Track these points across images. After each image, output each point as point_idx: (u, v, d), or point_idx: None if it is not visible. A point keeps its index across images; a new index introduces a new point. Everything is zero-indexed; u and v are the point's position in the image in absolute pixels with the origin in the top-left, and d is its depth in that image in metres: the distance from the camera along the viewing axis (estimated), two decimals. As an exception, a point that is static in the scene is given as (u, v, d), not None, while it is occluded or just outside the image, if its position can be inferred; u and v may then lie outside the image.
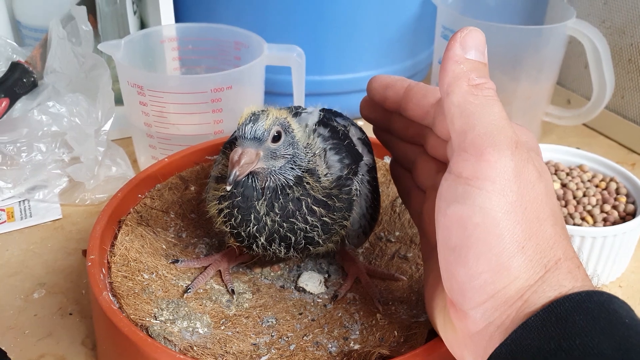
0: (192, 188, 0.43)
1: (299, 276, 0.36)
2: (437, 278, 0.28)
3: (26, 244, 0.47)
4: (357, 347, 0.31)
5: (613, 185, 0.46)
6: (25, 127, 0.48)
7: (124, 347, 0.30)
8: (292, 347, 0.31)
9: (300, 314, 0.34)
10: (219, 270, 0.36)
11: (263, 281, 0.36)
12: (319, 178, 0.31)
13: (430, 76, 0.71)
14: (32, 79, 0.58)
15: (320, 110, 0.36)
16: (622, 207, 0.44)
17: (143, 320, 0.31)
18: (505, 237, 0.23)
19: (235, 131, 0.30)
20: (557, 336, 0.22)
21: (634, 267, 0.46)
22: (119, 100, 0.53)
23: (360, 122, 0.39)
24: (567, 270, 0.24)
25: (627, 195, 0.46)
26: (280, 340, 0.31)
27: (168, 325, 0.31)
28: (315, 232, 0.31)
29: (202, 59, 0.56)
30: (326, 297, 0.35)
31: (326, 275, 0.37)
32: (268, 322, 0.33)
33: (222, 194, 0.31)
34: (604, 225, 0.43)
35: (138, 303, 0.32)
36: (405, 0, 0.62)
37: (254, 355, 0.30)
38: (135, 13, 0.60)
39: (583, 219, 0.44)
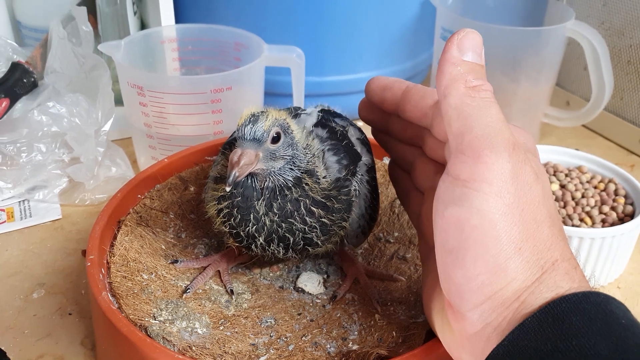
0: (192, 188, 0.43)
1: (298, 277, 0.37)
2: (435, 279, 0.28)
3: (26, 244, 0.47)
4: (355, 347, 0.31)
5: (612, 187, 0.46)
6: (25, 127, 0.48)
7: (123, 347, 0.30)
8: (290, 348, 0.31)
9: (299, 314, 0.34)
10: (218, 271, 0.36)
11: (262, 281, 0.36)
12: (318, 179, 0.31)
13: (430, 77, 0.71)
14: (33, 79, 0.58)
15: (319, 111, 0.37)
16: (620, 209, 0.44)
17: (142, 320, 0.31)
18: (502, 239, 0.23)
19: (235, 132, 0.30)
20: (554, 337, 0.22)
21: (632, 269, 0.46)
22: (119, 101, 0.53)
23: (360, 123, 0.39)
24: (564, 271, 0.24)
25: (626, 197, 0.46)
26: (279, 340, 0.32)
27: (167, 325, 0.31)
28: (313, 233, 0.31)
29: (202, 60, 0.56)
30: (325, 297, 0.35)
31: (325, 276, 0.37)
32: (267, 322, 0.33)
33: (222, 194, 0.31)
34: (603, 227, 0.43)
35: (137, 303, 0.32)
36: (405, 2, 0.62)
37: (253, 356, 0.30)
38: (135, 14, 0.60)
39: (582, 220, 0.44)
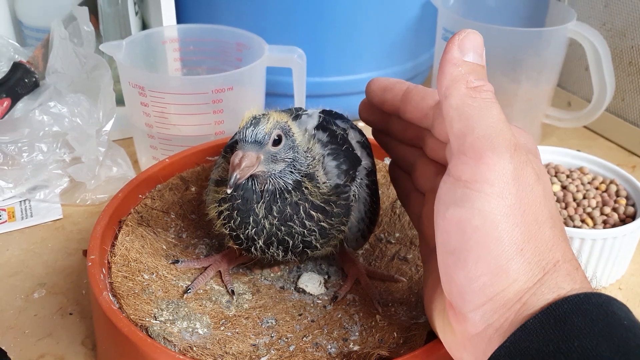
0: (193, 189, 0.43)
1: (298, 277, 0.36)
2: (436, 280, 0.28)
3: (27, 244, 0.47)
4: (356, 348, 0.31)
5: (613, 188, 0.46)
6: (26, 127, 0.48)
7: (124, 348, 0.30)
8: (291, 348, 0.31)
9: (300, 315, 0.34)
10: (219, 271, 0.36)
11: (263, 282, 0.36)
12: (318, 183, 0.31)
13: (431, 78, 0.71)
14: (34, 79, 0.58)
15: (320, 112, 0.37)
16: (622, 210, 0.44)
17: (143, 320, 0.31)
18: (504, 240, 0.23)
19: (236, 134, 0.30)
20: (556, 338, 0.22)
21: (634, 270, 0.46)
22: (120, 101, 0.53)
23: (360, 124, 0.39)
24: (566, 272, 0.24)
25: (627, 198, 0.46)
26: (279, 341, 0.32)
27: (168, 325, 0.31)
28: (312, 237, 0.31)
29: (203, 60, 0.56)
30: (326, 298, 0.35)
31: (326, 277, 0.37)
32: (268, 322, 0.33)
33: (222, 196, 0.31)
34: (604, 228, 0.43)
35: (138, 303, 0.32)
36: (406, 2, 0.62)
37: (254, 356, 0.30)
38: (136, 14, 0.60)
39: (583, 221, 0.44)
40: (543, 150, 0.50)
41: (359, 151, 0.35)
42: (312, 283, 0.36)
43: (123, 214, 0.39)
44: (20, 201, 0.51)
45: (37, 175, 0.50)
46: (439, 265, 0.26)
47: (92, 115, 0.50)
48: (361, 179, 0.34)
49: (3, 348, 0.35)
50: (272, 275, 0.37)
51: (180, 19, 0.58)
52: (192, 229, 0.40)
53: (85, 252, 0.44)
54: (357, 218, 0.33)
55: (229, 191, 0.28)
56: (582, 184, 0.47)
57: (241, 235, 0.31)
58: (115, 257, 0.35)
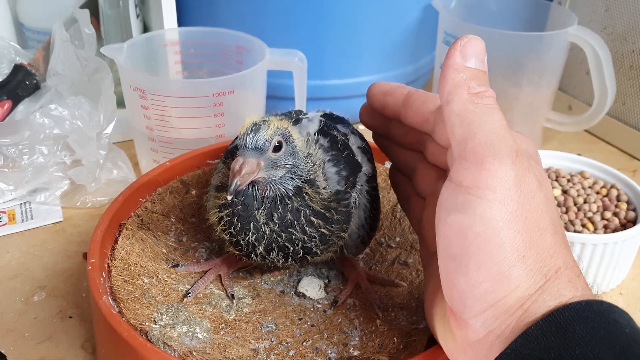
0: (193, 192, 0.43)
1: (299, 281, 0.36)
2: (436, 285, 0.28)
3: (27, 247, 0.47)
4: (356, 353, 0.31)
5: (614, 192, 0.46)
6: (27, 129, 0.48)
7: (123, 352, 0.30)
8: (291, 353, 0.31)
9: (300, 319, 0.34)
10: (219, 275, 0.36)
11: (263, 286, 0.36)
12: (318, 189, 0.31)
13: (432, 82, 0.71)
14: (35, 81, 0.58)
15: (321, 116, 0.36)
16: (622, 214, 0.44)
17: (143, 324, 0.31)
18: (505, 247, 0.23)
19: (236, 139, 0.30)
20: (557, 346, 0.22)
21: (635, 275, 0.46)
22: (121, 104, 0.53)
23: (361, 127, 0.39)
24: (567, 279, 0.24)
25: (628, 202, 0.46)
26: (279, 345, 0.31)
27: (168, 329, 0.31)
28: (313, 243, 0.31)
29: (204, 63, 0.56)
30: (326, 302, 0.35)
31: (326, 281, 0.37)
32: (268, 327, 0.33)
33: (223, 202, 0.31)
34: (605, 233, 0.43)
35: (138, 307, 0.32)
36: (407, 6, 0.62)
37: (254, 361, 0.30)
38: (138, 16, 0.60)
39: (584, 225, 0.44)
40: (544, 155, 0.50)
41: (359, 157, 0.35)
42: (312, 287, 0.36)
43: (123, 217, 0.39)
44: (21, 203, 0.51)
45: (38, 178, 0.50)
46: (440, 270, 0.26)
47: (93, 117, 0.50)
48: (361, 185, 0.34)
49: (3, 351, 0.34)
50: (272, 279, 0.37)
51: (181, 21, 0.58)
52: (192, 232, 0.40)
53: (85, 255, 0.44)
54: (357, 225, 0.33)
55: (229, 197, 0.28)
56: (583, 188, 0.47)
57: (241, 242, 0.31)
58: (115, 260, 0.35)
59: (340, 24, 0.59)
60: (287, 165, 0.30)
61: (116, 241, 0.37)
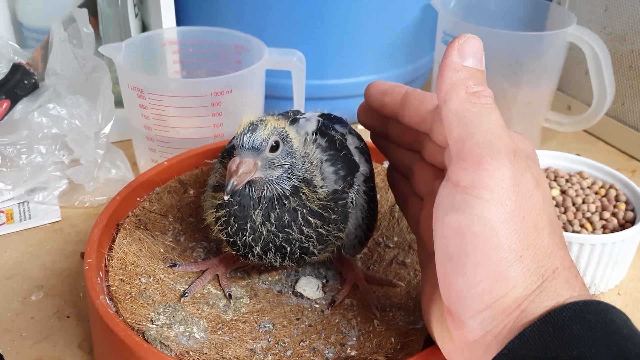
0: (191, 192, 0.43)
1: (296, 281, 0.36)
2: (434, 285, 0.28)
3: (25, 246, 0.47)
4: (353, 353, 0.31)
5: (612, 193, 0.46)
6: (25, 129, 0.48)
7: (120, 352, 0.30)
8: (288, 353, 0.31)
9: (298, 319, 0.34)
10: (217, 275, 0.36)
11: (261, 286, 0.36)
12: (315, 189, 0.31)
13: (431, 81, 0.71)
14: (33, 80, 0.58)
15: (319, 116, 0.36)
16: (621, 215, 0.44)
17: (139, 324, 0.31)
18: (503, 247, 0.23)
19: (233, 139, 0.30)
20: (554, 346, 0.22)
21: (633, 275, 0.46)
22: (119, 103, 0.53)
23: (359, 127, 0.39)
24: (565, 279, 0.24)
25: (627, 203, 0.46)
26: (277, 345, 0.31)
27: (164, 329, 0.31)
28: (310, 243, 0.31)
29: (202, 63, 0.56)
30: (324, 302, 0.35)
31: (324, 281, 0.37)
32: (265, 327, 0.33)
33: (220, 202, 0.31)
34: (603, 233, 0.43)
35: (135, 307, 0.32)
36: (406, 5, 0.62)
37: (251, 361, 0.30)
38: (136, 16, 0.60)
39: (582, 226, 0.44)
40: (542, 155, 0.50)
41: (357, 157, 0.35)
42: (310, 287, 0.36)
43: (121, 217, 0.39)
44: (19, 203, 0.51)
45: (36, 177, 0.50)
46: (438, 270, 0.25)
47: (91, 117, 0.50)
48: (359, 185, 0.34)
49: (0, 351, 0.34)
50: (270, 279, 0.37)
51: (180, 21, 0.58)
52: (190, 232, 0.40)
53: (83, 255, 0.44)
54: (355, 225, 0.33)
55: (226, 197, 0.28)
56: (582, 188, 0.47)
57: (238, 242, 0.31)
58: (112, 260, 0.35)
59: (340, 24, 0.59)
60: (284, 165, 0.30)
61: (114, 241, 0.37)
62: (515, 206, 0.23)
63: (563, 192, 0.47)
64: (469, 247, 0.24)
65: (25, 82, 0.57)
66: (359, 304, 0.35)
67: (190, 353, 0.29)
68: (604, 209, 0.45)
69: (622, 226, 0.44)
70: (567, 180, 0.48)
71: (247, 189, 0.30)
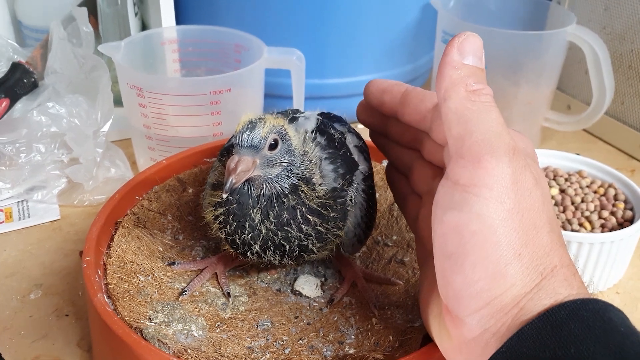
0: (190, 190, 0.43)
1: (295, 279, 0.36)
2: (432, 284, 0.27)
3: (23, 245, 0.47)
4: (352, 351, 0.31)
5: (611, 192, 0.46)
6: (24, 127, 0.48)
7: (118, 349, 0.29)
8: (287, 351, 0.31)
9: (296, 317, 0.33)
10: (215, 273, 0.36)
11: (259, 284, 0.36)
12: (314, 187, 0.31)
13: (431, 81, 0.71)
14: (33, 79, 0.58)
15: (318, 115, 0.36)
16: (620, 214, 0.44)
17: (138, 322, 0.31)
18: (502, 245, 0.23)
19: (232, 137, 0.30)
20: (553, 344, 0.21)
21: (632, 274, 0.46)
22: (118, 102, 0.53)
23: (360, 126, 0.39)
24: (563, 277, 0.24)
25: (626, 202, 0.46)
26: (275, 343, 0.31)
27: (163, 327, 0.31)
28: (309, 241, 0.31)
29: (202, 61, 0.56)
30: (322, 300, 0.35)
31: (323, 279, 0.37)
32: (263, 325, 0.33)
33: (218, 200, 0.31)
34: (602, 232, 0.43)
35: (133, 305, 0.32)
36: (406, 5, 0.62)
37: (249, 359, 0.30)
38: (136, 15, 0.60)
39: (581, 224, 0.44)
40: (542, 154, 0.50)
41: (356, 155, 0.35)
42: (308, 286, 0.36)
43: (119, 215, 0.39)
44: (18, 202, 0.51)
45: (35, 176, 0.50)
46: (436, 268, 0.25)
47: (90, 116, 0.50)
48: (358, 183, 0.34)
49: (-2, 349, 0.34)
50: (268, 277, 0.37)
51: (179, 20, 0.58)
52: (188, 230, 0.40)
53: (81, 253, 0.44)
54: (354, 223, 0.33)
55: (224, 196, 0.28)
56: (581, 187, 0.47)
57: (237, 240, 0.31)
58: (111, 258, 0.35)
59: (340, 23, 0.59)
60: (283, 163, 0.30)
61: (112, 239, 0.37)
62: (514, 204, 0.23)
63: (562, 191, 0.47)
64: (467, 245, 0.23)
65: (25, 80, 0.57)
66: (357, 302, 0.35)
67: (188, 351, 0.29)
68: (602, 208, 0.45)
69: (621, 225, 0.44)
70: (566, 180, 0.48)
71: (245, 187, 0.30)
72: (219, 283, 0.35)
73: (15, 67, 0.57)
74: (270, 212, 0.30)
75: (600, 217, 0.44)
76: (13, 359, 0.36)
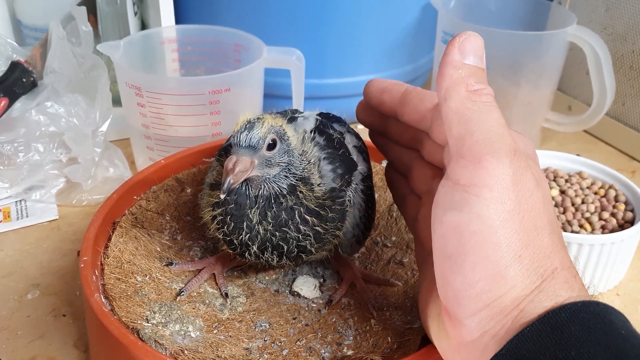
0: (188, 190, 0.43)
1: (293, 280, 0.36)
2: (431, 285, 0.27)
3: (21, 244, 0.46)
4: (350, 352, 0.31)
5: (612, 193, 0.46)
6: (23, 126, 0.48)
7: (115, 350, 0.29)
8: (284, 352, 0.31)
9: (294, 318, 0.33)
10: (213, 274, 0.36)
11: (257, 285, 0.36)
12: (313, 187, 0.31)
13: (431, 81, 0.71)
14: (32, 78, 0.58)
15: (317, 115, 0.36)
16: (620, 215, 0.44)
17: (135, 323, 0.31)
18: (502, 246, 0.23)
19: (230, 137, 0.30)
20: (553, 347, 0.21)
21: (632, 275, 0.46)
22: (117, 101, 0.53)
23: (360, 127, 0.39)
24: (564, 279, 0.23)
25: (626, 203, 0.45)
26: (273, 345, 0.31)
27: (160, 328, 0.31)
28: (307, 242, 0.31)
29: (201, 61, 0.56)
30: (321, 301, 0.35)
31: (321, 280, 0.37)
32: (261, 326, 0.32)
33: (216, 200, 0.31)
34: (602, 233, 0.43)
35: (130, 305, 0.32)
36: (406, 5, 0.61)
37: (247, 360, 0.30)
38: (135, 14, 0.60)
39: (581, 226, 0.44)
40: (542, 155, 0.50)
41: (355, 156, 0.34)
42: (307, 286, 0.35)
43: (117, 215, 0.39)
44: (16, 201, 0.51)
45: (33, 176, 0.50)
46: (436, 269, 0.25)
47: (89, 115, 0.49)
48: (356, 184, 0.33)
49: (-6, 349, 0.34)
50: (267, 278, 0.37)
51: (179, 19, 0.57)
52: (186, 231, 0.39)
53: (79, 253, 0.44)
54: (352, 224, 0.33)
55: (222, 196, 0.28)
56: (581, 188, 0.47)
57: (235, 241, 0.31)
58: (108, 258, 0.35)
59: (340, 23, 0.59)
60: (282, 163, 0.30)
61: (110, 239, 0.37)
62: (514, 205, 0.23)
63: (562, 192, 0.47)
64: (467, 246, 0.23)
65: (24, 80, 0.57)
66: (356, 304, 0.34)
67: (185, 352, 0.29)
68: (603, 209, 0.45)
69: (622, 226, 0.43)
70: (566, 181, 0.48)
71: (243, 188, 0.30)
72: (216, 284, 0.35)
73: (14, 66, 0.57)
74: (269, 213, 0.30)
75: (600, 219, 0.44)
76: (10, 359, 0.36)
